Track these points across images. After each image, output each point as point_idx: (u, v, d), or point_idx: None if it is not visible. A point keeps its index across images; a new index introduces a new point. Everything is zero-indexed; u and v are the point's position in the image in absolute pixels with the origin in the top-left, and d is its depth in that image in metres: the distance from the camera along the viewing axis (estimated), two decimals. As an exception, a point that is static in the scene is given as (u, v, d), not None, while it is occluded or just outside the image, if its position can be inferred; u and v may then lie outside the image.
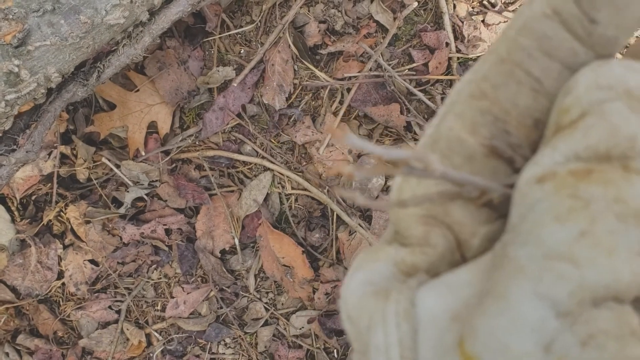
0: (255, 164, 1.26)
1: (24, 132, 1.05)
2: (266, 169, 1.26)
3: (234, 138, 1.26)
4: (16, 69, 0.89)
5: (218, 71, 1.22)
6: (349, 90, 1.20)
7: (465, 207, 0.30)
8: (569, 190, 0.24)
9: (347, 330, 0.29)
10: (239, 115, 1.24)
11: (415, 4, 1.19)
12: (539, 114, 0.29)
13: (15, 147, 1.04)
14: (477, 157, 0.29)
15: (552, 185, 0.24)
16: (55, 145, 1.27)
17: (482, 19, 1.23)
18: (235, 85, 1.21)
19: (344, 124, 1.22)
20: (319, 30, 1.20)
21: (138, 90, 1.23)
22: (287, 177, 1.25)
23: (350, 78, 1.19)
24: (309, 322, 1.29)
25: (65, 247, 1.31)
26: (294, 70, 1.21)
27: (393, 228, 0.32)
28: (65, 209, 1.29)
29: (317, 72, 1.19)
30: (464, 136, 0.30)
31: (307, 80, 1.21)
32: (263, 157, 1.25)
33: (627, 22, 0.27)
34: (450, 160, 0.30)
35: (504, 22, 1.22)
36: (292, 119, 1.23)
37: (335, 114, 1.21)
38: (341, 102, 1.21)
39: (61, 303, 1.33)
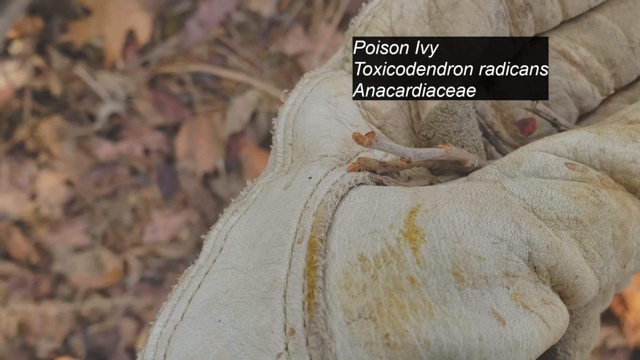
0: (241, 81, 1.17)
1: (-15, 24, 0.97)
2: (252, 87, 1.17)
3: (218, 52, 1.17)
4: None
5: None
6: (343, -3, 1.10)
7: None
8: (591, 186, 0.26)
9: (283, 139, 0.31)
10: (224, 24, 1.15)
11: None
12: None
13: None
14: (462, 5, 0.30)
15: (578, 175, 0.26)
16: (28, 57, 1.19)
17: None
18: (221, -10, 1.12)
19: (339, 34, 1.12)
20: None
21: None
22: (274, 97, 1.16)
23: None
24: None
25: (40, 166, 1.24)
26: (285, -26, 1.12)
27: (346, 55, 0.33)
28: (39, 125, 1.22)
29: (309, -25, 1.10)
30: None
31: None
32: (249, 75, 1.16)
33: None
34: (436, 2, 0.31)
35: None
36: (283, 27, 1.14)
37: (329, 21, 1.12)
38: (336, 9, 1.12)
39: (35, 226, 1.27)
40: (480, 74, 0.33)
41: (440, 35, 0.31)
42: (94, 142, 1.19)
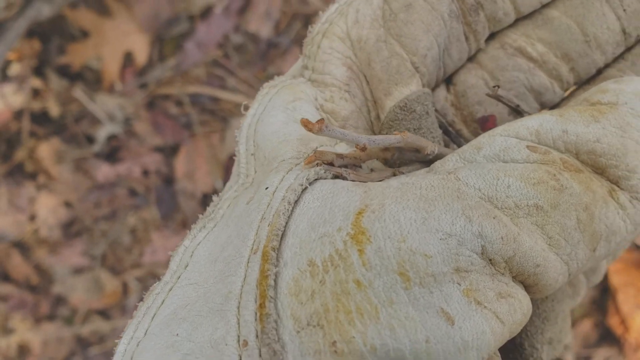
0: (239, 103, 1.17)
1: (-18, 51, 0.97)
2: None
3: (216, 73, 1.17)
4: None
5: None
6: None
7: (387, 65, 0.31)
8: (552, 169, 0.25)
9: (246, 150, 0.31)
10: (222, 46, 1.14)
11: None
12: None
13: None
14: (416, 6, 0.31)
15: (540, 157, 0.26)
16: (26, 79, 1.19)
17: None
18: (218, 12, 1.11)
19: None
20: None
21: (114, 16, 1.13)
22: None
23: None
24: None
25: (38, 188, 1.24)
26: (283, -4, 1.11)
27: (305, 62, 0.33)
28: (38, 147, 1.21)
29: (307, -3, 1.10)
30: None
31: (296, 6, 1.11)
32: (248, 96, 1.16)
33: None
34: (389, 5, 0.31)
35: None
36: (281, 48, 1.14)
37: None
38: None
39: (34, 248, 1.26)
40: (439, 72, 0.33)
41: (395, 36, 0.31)
42: (92, 163, 1.19)
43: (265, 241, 0.25)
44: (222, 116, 1.19)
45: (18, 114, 1.20)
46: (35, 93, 1.19)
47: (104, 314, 1.24)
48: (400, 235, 0.23)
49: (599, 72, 0.33)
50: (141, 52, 1.15)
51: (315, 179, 0.27)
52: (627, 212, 0.25)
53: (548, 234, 0.24)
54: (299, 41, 1.15)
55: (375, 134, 0.33)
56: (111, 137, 1.19)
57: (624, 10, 0.31)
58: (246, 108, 0.33)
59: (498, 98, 0.31)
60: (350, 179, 0.28)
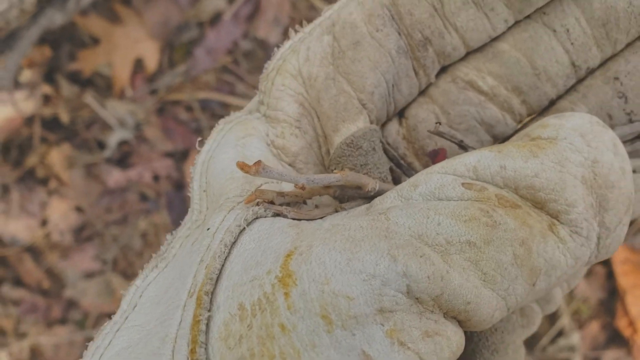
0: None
1: (-4, 59, 0.98)
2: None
3: (226, 79, 1.18)
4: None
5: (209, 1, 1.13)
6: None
7: (335, 102, 0.31)
8: (485, 207, 0.25)
9: (199, 186, 0.31)
10: (231, 52, 1.15)
11: None
12: (429, 32, 0.31)
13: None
14: (364, 44, 0.31)
15: (475, 195, 0.26)
16: (37, 85, 1.20)
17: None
18: (227, 18, 1.12)
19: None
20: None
21: (124, 23, 1.15)
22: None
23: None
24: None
25: (50, 193, 1.25)
26: (291, 1, 1.12)
27: (260, 98, 0.34)
28: (49, 152, 1.22)
29: (317, 3, 1.10)
30: (359, 23, 0.31)
31: (305, 12, 1.12)
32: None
33: None
34: (339, 42, 0.31)
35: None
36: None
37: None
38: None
39: (46, 252, 1.27)
40: (389, 107, 0.33)
41: (343, 74, 0.31)
42: (103, 169, 1.20)
43: (200, 285, 0.25)
44: (231, 121, 1.20)
45: (29, 120, 1.21)
46: (46, 99, 1.20)
47: (115, 317, 1.25)
48: (324, 278, 0.23)
49: (552, 103, 0.33)
50: (151, 58, 1.16)
51: (255, 218, 0.27)
52: (567, 246, 0.25)
53: (482, 270, 0.24)
54: (307, 47, 1.16)
55: (325, 168, 0.33)
56: (122, 143, 1.20)
57: (572, 43, 0.31)
58: (201, 144, 0.33)
59: (440, 134, 0.31)
60: (291, 217, 0.28)
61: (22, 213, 1.25)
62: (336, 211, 0.30)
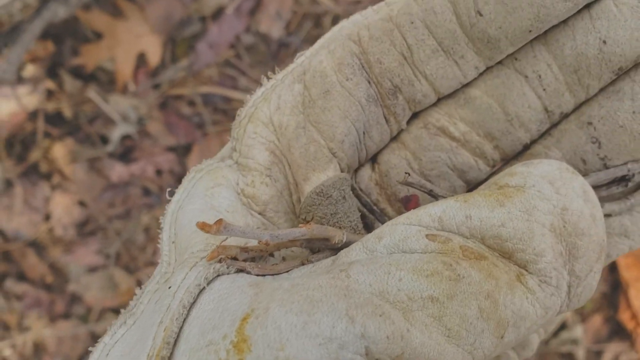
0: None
1: (0, 53, 0.98)
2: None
3: (228, 73, 1.18)
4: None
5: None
6: (352, 18, 1.11)
7: (305, 151, 0.31)
8: (449, 259, 0.24)
9: (168, 237, 0.31)
10: (233, 46, 1.16)
11: None
12: (398, 80, 0.31)
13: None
14: (334, 93, 0.31)
15: (438, 247, 0.25)
16: (40, 80, 1.21)
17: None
18: (229, 13, 1.13)
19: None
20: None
21: (126, 18, 1.15)
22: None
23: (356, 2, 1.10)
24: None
25: (53, 188, 1.25)
26: (293, -4, 1.13)
27: (233, 144, 0.33)
28: (52, 147, 1.23)
29: (318, -3, 1.11)
30: (329, 72, 0.31)
31: (307, 6, 1.13)
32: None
33: (510, 27, 0.28)
34: (309, 91, 0.31)
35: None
36: (292, 48, 1.15)
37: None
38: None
39: (49, 247, 1.28)
40: (360, 154, 0.33)
41: (313, 123, 0.31)
42: (106, 163, 1.20)
43: (157, 349, 0.24)
44: (234, 116, 1.21)
45: (32, 115, 1.21)
46: (49, 94, 1.20)
47: (118, 312, 1.25)
48: (279, 343, 0.22)
49: (527, 147, 0.33)
50: (154, 53, 1.16)
51: (217, 276, 0.27)
52: (536, 296, 0.25)
53: (446, 326, 0.24)
54: (309, 41, 1.16)
55: (296, 216, 0.33)
56: (125, 137, 1.21)
57: (544, 89, 0.31)
58: (171, 194, 0.33)
59: (409, 184, 0.31)
60: (254, 273, 0.27)
61: (26, 208, 1.25)
62: (302, 264, 0.29)
